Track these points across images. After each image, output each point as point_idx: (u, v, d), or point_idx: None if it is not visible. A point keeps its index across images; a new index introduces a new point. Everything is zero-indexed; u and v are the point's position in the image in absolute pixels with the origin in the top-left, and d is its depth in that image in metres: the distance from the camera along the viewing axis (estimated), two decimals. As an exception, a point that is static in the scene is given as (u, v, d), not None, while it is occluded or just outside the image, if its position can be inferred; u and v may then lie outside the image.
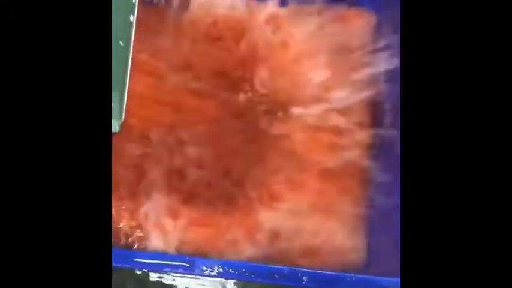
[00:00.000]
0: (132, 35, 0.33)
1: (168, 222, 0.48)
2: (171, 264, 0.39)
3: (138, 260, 0.38)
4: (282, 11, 0.54)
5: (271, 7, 0.54)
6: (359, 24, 0.55)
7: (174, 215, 0.48)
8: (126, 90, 0.32)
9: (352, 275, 0.40)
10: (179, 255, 0.38)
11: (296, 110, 0.52)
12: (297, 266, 0.46)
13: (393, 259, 0.42)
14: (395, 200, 0.43)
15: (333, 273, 0.40)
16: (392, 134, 0.49)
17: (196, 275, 0.38)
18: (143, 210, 0.48)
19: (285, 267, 0.39)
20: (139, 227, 0.47)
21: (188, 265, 0.38)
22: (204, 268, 0.39)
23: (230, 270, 0.39)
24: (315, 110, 0.51)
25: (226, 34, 0.53)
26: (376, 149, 0.52)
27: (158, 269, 0.38)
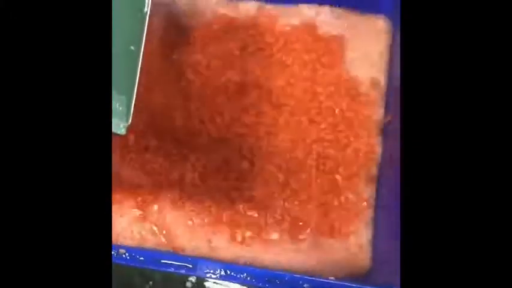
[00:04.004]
0: (143, 40, 0.33)
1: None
2: (174, 264, 0.39)
3: (141, 258, 0.39)
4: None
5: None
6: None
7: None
8: (135, 94, 0.33)
9: (354, 284, 0.40)
10: (182, 256, 0.39)
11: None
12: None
13: (396, 270, 0.42)
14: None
15: (334, 281, 0.40)
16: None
17: (198, 276, 0.38)
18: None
19: (286, 274, 0.39)
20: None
21: (191, 266, 0.39)
22: (207, 270, 0.39)
23: (232, 273, 0.39)
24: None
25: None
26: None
27: (161, 268, 0.39)
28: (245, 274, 0.39)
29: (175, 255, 0.39)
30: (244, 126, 0.52)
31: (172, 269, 0.39)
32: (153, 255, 0.39)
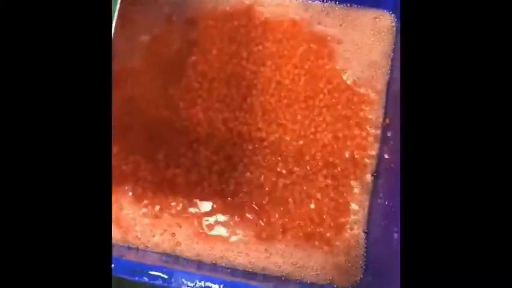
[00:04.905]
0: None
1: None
2: (150, 275, 0.38)
3: (116, 267, 0.37)
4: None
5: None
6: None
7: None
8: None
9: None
10: (158, 266, 0.37)
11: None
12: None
13: (389, 281, 0.40)
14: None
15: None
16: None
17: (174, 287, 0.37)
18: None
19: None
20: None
21: (166, 277, 0.38)
22: (183, 281, 0.38)
23: (209, 284, 0.38)
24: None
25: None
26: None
27: (134, 278, 0.37)
28: (222, 286, 0.38)
29: (150, 265, 0.37)
30: (230, 122, 0.51)
31: (146, 279, 0.37)
32: (125, 264, 0.38)
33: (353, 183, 0.49)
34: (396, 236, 0.42)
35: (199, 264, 0.47)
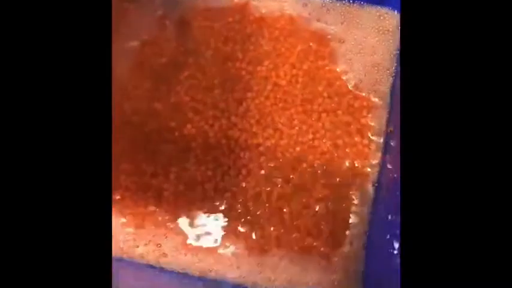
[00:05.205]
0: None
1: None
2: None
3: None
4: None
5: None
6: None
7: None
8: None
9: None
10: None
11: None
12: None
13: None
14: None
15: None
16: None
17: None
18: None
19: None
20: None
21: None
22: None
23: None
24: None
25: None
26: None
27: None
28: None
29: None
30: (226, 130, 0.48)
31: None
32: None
33: (353, 194, 0.46)
34: (397, 252, 0.40)
35: (186, 276, 0.45)
